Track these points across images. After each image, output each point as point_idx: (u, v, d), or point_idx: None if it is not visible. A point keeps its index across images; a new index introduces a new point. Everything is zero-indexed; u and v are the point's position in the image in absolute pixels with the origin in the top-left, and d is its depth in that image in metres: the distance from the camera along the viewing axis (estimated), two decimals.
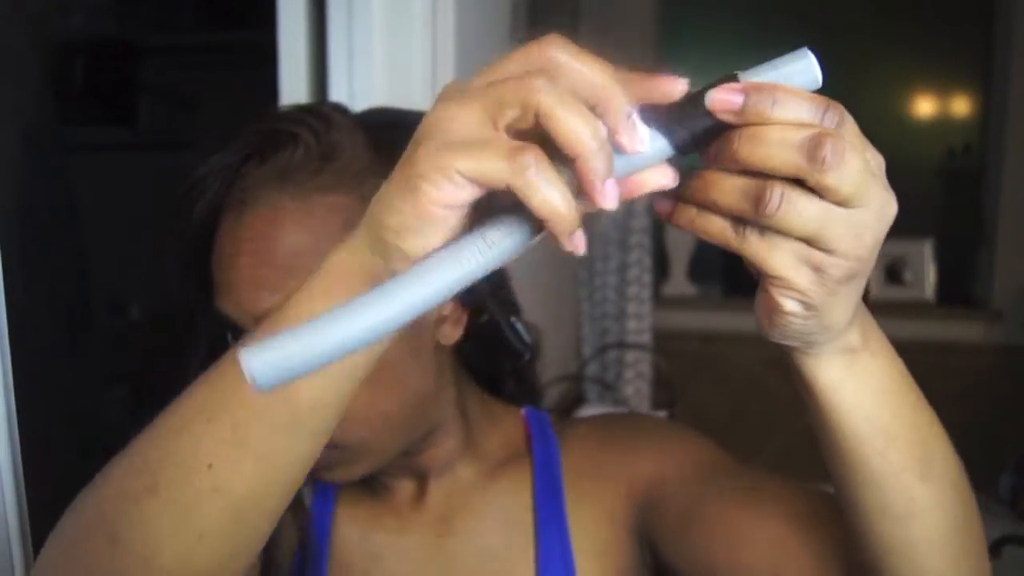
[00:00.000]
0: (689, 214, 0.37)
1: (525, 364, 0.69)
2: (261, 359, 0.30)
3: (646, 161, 0.34)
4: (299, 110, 0.60)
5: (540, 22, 1.52)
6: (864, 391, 0.40)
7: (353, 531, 0.66)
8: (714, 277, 2.57)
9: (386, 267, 0.36)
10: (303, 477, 0.43)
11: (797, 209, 0.33)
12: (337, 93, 0.99)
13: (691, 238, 2.46)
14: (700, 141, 0.35)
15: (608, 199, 0.32)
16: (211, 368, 0.42)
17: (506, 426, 0.70)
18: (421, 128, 0.34)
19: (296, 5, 1.00)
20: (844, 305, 0.37)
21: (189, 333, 0.61)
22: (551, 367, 1.83)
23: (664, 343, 2.25)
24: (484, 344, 0.67)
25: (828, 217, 0.33)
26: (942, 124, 2.45)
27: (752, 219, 0.35)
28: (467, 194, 0.33)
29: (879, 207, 0.34)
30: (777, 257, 0.35)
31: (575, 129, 0.31)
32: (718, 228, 0.36)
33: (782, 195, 0.33)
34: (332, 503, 0.66)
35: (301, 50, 1.00)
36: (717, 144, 0.35)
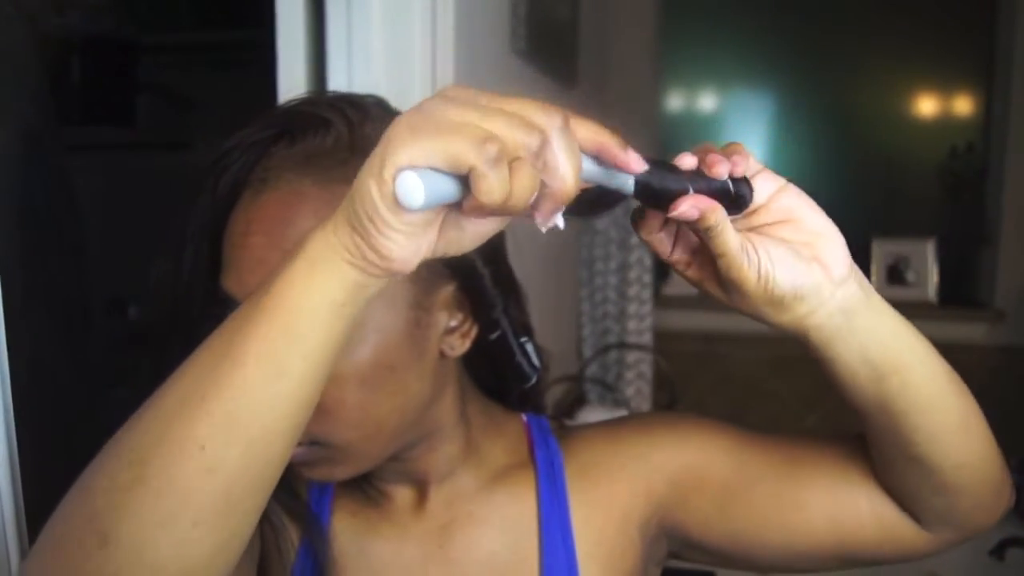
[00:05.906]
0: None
1: (532, 385, 0.68)
2: (425, 178, 0.36)
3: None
4: (339, 97, 0.59)
5: (539, 21, 1.51)
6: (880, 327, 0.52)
7: (350, 542, 0.64)
8: None
9: (365, 244, 0.38)
10: (289, 451, 0.42)
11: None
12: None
13: None
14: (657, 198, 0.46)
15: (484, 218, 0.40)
16: (199, 349, 0.41)
17: (508, 433, 0.68)
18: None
19: (295, 3, 1.00)
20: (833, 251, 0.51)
21: (191, 318, 0.59)
22: (552, 368, 1.82)
23: (665, 343, 2.24)
24: (492, 361, 0.66)
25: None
26: (945, 123, 2.44)
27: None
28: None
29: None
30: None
31: (491, 186, 0.35)
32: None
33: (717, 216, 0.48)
34: (328, 514, 0.65)
35: (300, 49, 1.00)
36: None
